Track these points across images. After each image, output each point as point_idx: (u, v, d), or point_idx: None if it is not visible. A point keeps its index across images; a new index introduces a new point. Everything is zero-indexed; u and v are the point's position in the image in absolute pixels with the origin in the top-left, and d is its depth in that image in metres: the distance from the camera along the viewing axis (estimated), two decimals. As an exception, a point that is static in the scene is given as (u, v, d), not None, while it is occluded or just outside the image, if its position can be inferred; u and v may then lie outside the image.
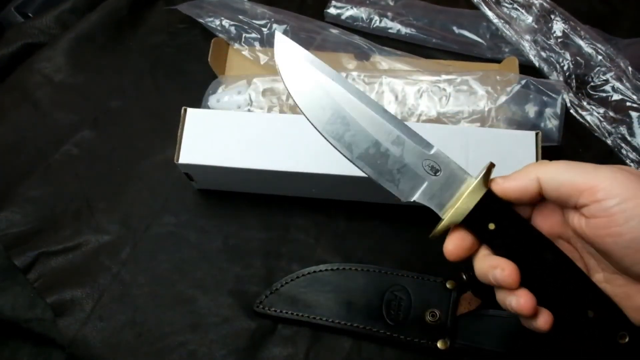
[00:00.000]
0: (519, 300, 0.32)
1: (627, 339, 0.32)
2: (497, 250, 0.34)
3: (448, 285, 0.47)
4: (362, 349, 0.48)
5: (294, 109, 0.56)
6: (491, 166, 0.34)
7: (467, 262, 0.49)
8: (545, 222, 0.35)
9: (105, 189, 0.55)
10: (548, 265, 0.33)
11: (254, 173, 0.47)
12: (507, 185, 0.34)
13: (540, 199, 0.34)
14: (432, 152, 0.35)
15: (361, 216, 0.53)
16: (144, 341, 0.48)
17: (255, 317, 0.49)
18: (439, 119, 0.55)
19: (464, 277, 0.47)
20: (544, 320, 0.33)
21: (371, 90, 0.56)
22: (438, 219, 0.35)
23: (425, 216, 0.52)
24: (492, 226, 0.33)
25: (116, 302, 0.50)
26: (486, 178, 0.34)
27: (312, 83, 0.35)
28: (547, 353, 0.46)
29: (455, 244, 0.35)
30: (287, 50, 0.36)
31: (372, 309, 0.47)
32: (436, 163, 0.35)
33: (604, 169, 0.31)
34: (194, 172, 0.49)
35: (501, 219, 0.33)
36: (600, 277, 0.33)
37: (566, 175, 0.32)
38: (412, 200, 0.35)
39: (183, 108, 0.48)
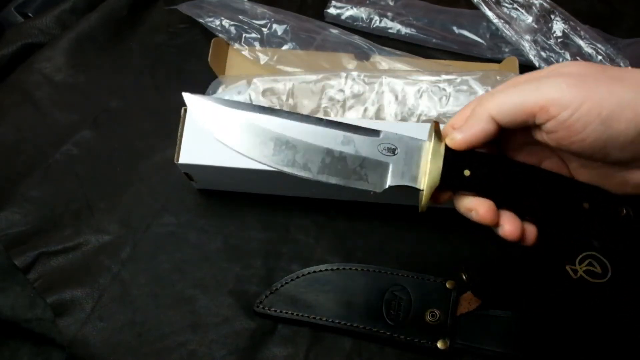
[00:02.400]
0: (504, 231, 0.34)
1: (624, 211, 0.34)
2: (478, 192, 0.35)
3: (448, 285, 0.47)
4: (362, 349, 0.48)
5: (294, 109, 0.56)
6: (436, 124, 0.35)
7: (467, 262, 0.49)
8: (515, 143, 0.36)
9: (105, 189, 0.55)
10: (529, 184, 0.34)
11: (254, 173, 0.47)
12: (464, 136, 0.34)
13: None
14: (381, 135, 0.35)
15: (361, 216, 0.53)
16: (144, 341, 0.48)
17: (255, 317, 0.49)
18: (439, 119, 0.55)
19: (464, 277, 0.47)
20: (529, 238, 0.35)
21: (371, 90, 0.56)
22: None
23: (426, 216, 0.52)
24: (467, 172, 0.34)
25: (116, 302, 0.50)
26: (439, 136, 0.34)
27: (242, 125, 0.35)
28: (547, 353, 0.46)
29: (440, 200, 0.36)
30: (201, 107, 0.36)
31: (372, 309, 0.47)
32: (390, 143, 0.35)
33: (547, 83, 0.32)
34: (194, 172, 0.49)
35: (471, 163, 0.34)
36: (576, 165, 0.35)
37: (515, 101, 0.32)
38: (387, 186, 0.35)
39: (183, 108, 0.48)
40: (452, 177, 0.34)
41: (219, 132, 0.35)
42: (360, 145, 0.35)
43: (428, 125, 0.51)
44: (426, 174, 0.34)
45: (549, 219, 0.34)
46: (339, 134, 0.35)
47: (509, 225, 0.34)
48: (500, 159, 0.35)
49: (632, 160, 0.32)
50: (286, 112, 0.35)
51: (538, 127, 0.33)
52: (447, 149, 0.34)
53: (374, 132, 0.35)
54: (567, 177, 0.35)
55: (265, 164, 0.35)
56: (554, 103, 0.31)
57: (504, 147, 0.36)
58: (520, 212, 0.35)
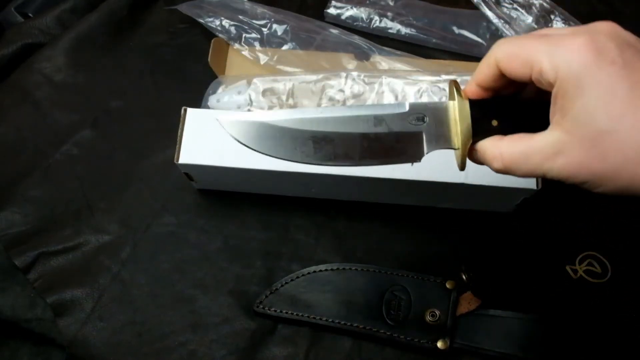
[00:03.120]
0: None
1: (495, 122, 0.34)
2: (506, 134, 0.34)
3: (448, 285, 0.47)
4: (362, 349, 0.48)
5: (294, 109, 0.56)
6: (455, 83, 0.35)
7: (467, 262, 0.49)
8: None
9: (105, 189, 0.55)
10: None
11: (254, 173, 0.47)
12: (475, 81, 0.34)
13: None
14: (408, 107, 0.35)
15: (361, 216, 0.53)
16: (144, 341, 0.48)
17: (255, 317, 0.49)
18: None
19: (464, 277, 0.47)
20: None
21: (371, 90, 0.56)
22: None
23: (425, 216, 0.52)
24: (495, 123, 0.34)
25: (116, 302, 0.50)
26: (460, 93, 0.35)
27: (279, 134, 0.35)
28: (547, 353, 0.46)
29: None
30: (237, 121, 0.36)
31: (372, 309, 0.47)
32: (418, 113, 0.35)
33: (564, 49, 0.29)
34: (194, 172, 0.49)
35: (496, 112, 0.34)
36: None
37: (517, 52, 0.31)
38: (426, 154, 0.35)
39: (183, 108, 0.48)
40: (482, 130, 0.34)
41: (259, 145, 0.36)
42: (392, 122, 0.35)
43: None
44: (458, 134, 0.34)
45: None
46: (369, 116, 0.35)
47: None
48: (525, 105, 0.35)
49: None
50: (313, 109, 0.36)
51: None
52: (471, 104, 0.34)
53: (400, 106, 0.35)
54: None
55: (311, 164, 0.35)
56: (564, 79, 0.29)
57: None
58: None
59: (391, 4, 0.64)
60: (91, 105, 0.59)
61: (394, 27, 0.63)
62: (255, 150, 0.36)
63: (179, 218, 0.53)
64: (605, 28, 0.30)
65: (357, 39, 0.61)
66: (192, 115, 0.48)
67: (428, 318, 0.46)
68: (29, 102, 0.59)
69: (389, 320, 0.47)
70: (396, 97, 0.56)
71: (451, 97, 0.35)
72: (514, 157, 0.32)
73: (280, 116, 0.35)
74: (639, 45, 0.29)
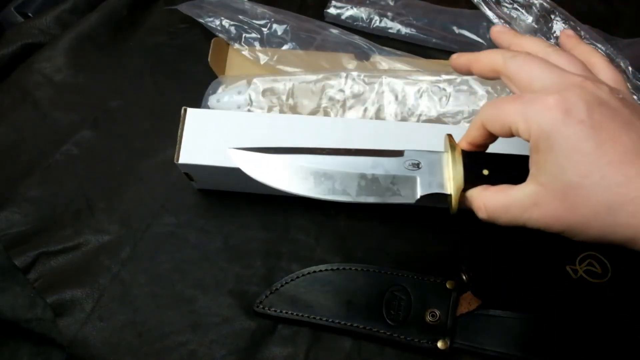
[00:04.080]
0: None
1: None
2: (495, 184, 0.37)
3: (448, 285, 0.47)
4: (362, 349, 0.48)
5: (294, 109, 0.56)
6: (449, 137, 0.39)
7: (467, 262, 0.49)
8: None
9: (105, 189, 0.55)
10: None
11: (254, 173, 0.47)
12: (466, 140, 0.38)
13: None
14: (405, 154, 0.39)
15: (361, 216, 0.53)
16: (144, 341, 0.48)
17: (255, 317, 0.49)
18: (439, 119, 0.55)
19: (464, 277, 0.47)
20: None
21: (371, 90, 0.56)
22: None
23: (425, 216, 0.52)
24: (485, 172, 0.37)
25: (116, 302, 0.50)
26: (454, 145, 0.38)
27: (283, 167, 0.39)
28: (547, 353, 0.46)
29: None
30: (245, 158, 0.40)
31: (372, 309, 0.47)
32: (413, 159, 0.39)
33: (535, 109, 0.31)
34: (194, 172, 0.49)
35: (487, 162, 0.37)
36: None
37: (498, 115, 0.34)
38: (418, 197, 0.38)
39: (183, 108, 0.48)
40: (474, 179, 0.37)
41: (264, 176, 0.39)
42: (388, 166, 0.39)
43: (428, 125, 0.52)
44: (451, 179, 0.37)
45: None
46: (368, 159, 0.39)
47: None
48: (514, 157, 0.38)
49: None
50: (319, 148, 0.39)
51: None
52: (464, 154, 0.38)
53: (398, 153, 0.39)
54: None
55: (310, 196, 0.38)
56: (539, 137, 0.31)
57: None
58: None
59: (391, 4, 0.64)
60: (91, 105, 0.59)
61: (394, 27, 0.63)
62: (260, 180, 0.39)
63: (179, 218, 0.53)
64: (577, 85, 0.31)
65: (357, 39, 0.61)
66: (192, 115, 0.48)
67: (428, 318, 0.46)
68: (29, 102, 0.59)
69: (389, 320, 0.47)
70: (396, 97, 0.56)
71: (446, 149, 0.39)
72: (496, 208, 0.34)
73: (288, 152, 0.39)
74: (613, 102, 0.31)
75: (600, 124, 0.30)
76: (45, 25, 0.63)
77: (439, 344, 0.46)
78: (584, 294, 0.49)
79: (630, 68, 0.59)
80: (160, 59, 0.62)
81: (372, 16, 0.63)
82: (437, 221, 0.52)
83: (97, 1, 0.64)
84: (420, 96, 0.56)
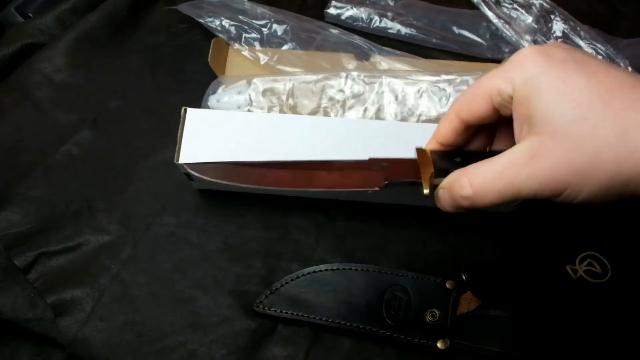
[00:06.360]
0: None
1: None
2: None
3: (448, 285, 0.47)
4: (362, 349, 0.48)
5: (294, 109, 0.56)
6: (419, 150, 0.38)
7: (467, 262, 0.49)
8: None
9: (105, 189, 0.55)
10: None
11: (254, 173, 0.47)
12: (436, 139, 0.36)
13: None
14: (367, 158, 0.38)
15: (361, 216, 0.53)
16: (144, 341, 0.48)
17: (255, 317, 0.49)
18: (439, 119, 0.55)
19: (464, 277, 0.47)
20: None
21: (371, 90, 0.56)
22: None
23: (425, 216, 0.52)
24: (458, 159, 0.35)
25: (116, 302, 0.50)
26: (423, 149, 0.37)
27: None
28: (547, 353, 0.46)
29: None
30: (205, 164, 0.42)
31: (372, 309, 0.47)
32: (378, 161, 0.38)
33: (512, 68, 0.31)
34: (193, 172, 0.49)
35: (458, 152, 0.37)
36: None
37: (468, 95, 0.33)
38: (385, 183, 0.37)
39: (183, 108, 0.48)
40: (445, 166, 0.35)
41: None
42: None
43: (428, 125, 0.52)
44: (418, 165, 0.36)
45: None
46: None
47: None
48: (483, 151, 0.37)
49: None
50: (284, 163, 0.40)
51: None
52: (433, 151, 0.37)
53: (363, 163, 0.38)
54: None
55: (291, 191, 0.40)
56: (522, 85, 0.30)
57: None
58: None
59: (391, 4, 0.64)
60: (91, 105, 0.59)
61: (394, 27, 0.63)
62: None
63: (179, 218, 0.53)
64: (550, 44, 0.31)
65: (357, 39, 0.61)
66: (192, 115, 0.48)
67: (428, 318, 0.46)
68: (29, 102, 0.59)
69: (389, 320, 0.47)
70: (396, 97, 0.56)
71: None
72: (484, 179, 0.31)
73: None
74: (587, 55, 0.30)
75: (582, 60, 0.29)
76: (45, 25, 0.63)
77: (439, 344, 0.46)
78: (584, 294, 0.49)
79: (630, 68, 0.59)
80: (160, 59, 0.62)
81: (372, 16, 0.63)
82: (437, 221, 0.52)
83: (97, 1, 0.64)
84: (420, 96, 0.56)
